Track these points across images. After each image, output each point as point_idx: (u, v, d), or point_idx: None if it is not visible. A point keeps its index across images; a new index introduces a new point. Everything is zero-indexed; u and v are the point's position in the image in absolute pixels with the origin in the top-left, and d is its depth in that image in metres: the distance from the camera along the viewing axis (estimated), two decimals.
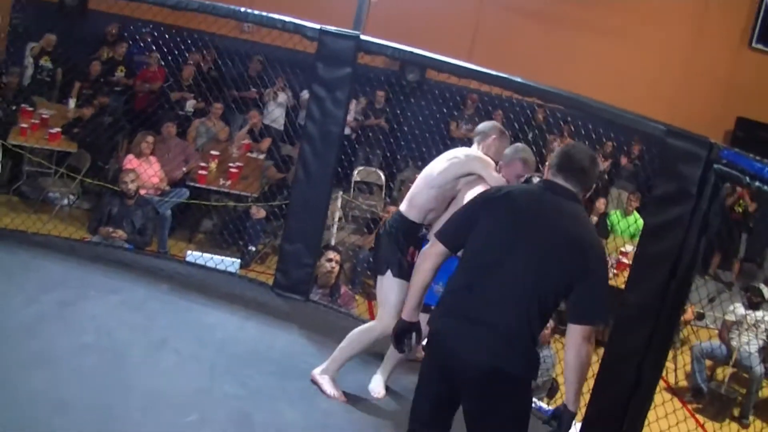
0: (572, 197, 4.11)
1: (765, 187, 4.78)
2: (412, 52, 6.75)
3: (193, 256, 7.68)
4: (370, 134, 13.84)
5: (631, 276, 5.65)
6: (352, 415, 5.39)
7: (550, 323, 7.63)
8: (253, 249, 10.69)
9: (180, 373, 5.43)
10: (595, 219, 12.19)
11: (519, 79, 6.37)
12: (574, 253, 3.96)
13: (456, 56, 6.80)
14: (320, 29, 6.71)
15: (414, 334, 4.38)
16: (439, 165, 5.49)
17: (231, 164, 11.31)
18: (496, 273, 3.97)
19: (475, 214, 4.17)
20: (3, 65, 12.83)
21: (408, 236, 5.50)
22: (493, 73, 6.52)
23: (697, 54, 15.65)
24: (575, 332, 3.93)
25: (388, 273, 5.42)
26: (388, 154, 13.50)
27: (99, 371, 5.20)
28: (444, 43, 11.40)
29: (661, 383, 10.16)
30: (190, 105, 13.11)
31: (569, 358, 3.97)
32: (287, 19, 6.77)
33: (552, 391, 7.93)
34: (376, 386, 5.71)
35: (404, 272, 5.36)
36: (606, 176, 13.68)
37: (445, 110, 12.78)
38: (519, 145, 5.62)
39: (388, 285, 5.42)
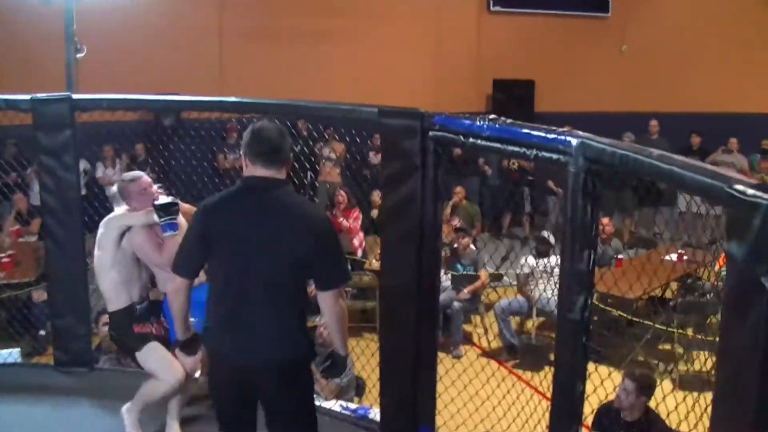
0: (278, 185, 4.23)
1: (479, 142, 4.91)
2: (130, 99, 6.86)
3: None
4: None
5: (384, 262, 5.80)
6: None
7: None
8: (43, 333, 10.48)
9: None
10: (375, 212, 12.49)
11: (249, 100, 6.52)
12: (301, 237, 4.15)
13: (210, 93, 6.89)
14: (30, 98, 6.67)
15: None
16: (96, 252, 5.52)
17: (2, 254, 11.07)
18: (244, 282, 4.16)
19: (199, 238, 4.26)
20: None
21: (132, 322, 5.51)
22: (230, 99, 6.61)
23: (443, 33, 16.31)
24: (328, 297, 4.25)
25: (141, 351, 5.47)
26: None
27: None
28: (195, 83, 11.56)
29: (476, 350, 10.59)
30: None
31: (330, 318, 4.31)
32: None
33: (359, 389, 8.04)
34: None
35: (150, 340, 5.47)
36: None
37: (205, 145, 12.84)
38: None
39: (145, 355, 5.45)
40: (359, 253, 12.00)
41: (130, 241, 5.45)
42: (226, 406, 4.42)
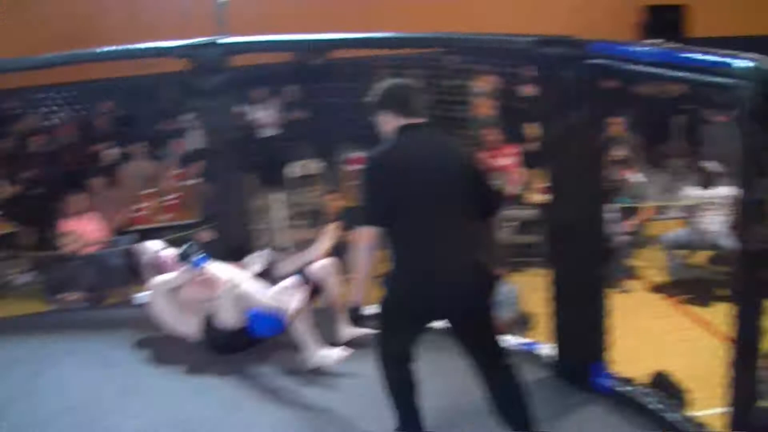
0: (432, 128, 4.60)
1: (641, 68, 4.83)
2: (280, 41, 7.04)
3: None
4: (296, 129, 13.96)
5: (548, 196, 5.72)
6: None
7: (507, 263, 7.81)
8: None
9: (153, 412, 5.60)
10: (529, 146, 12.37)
11: (396, 35, 6.63)
12: (465, 171, 4.52)
13: (358, 29, 6.97)
14: (184, 44, 6.82)
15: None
16: None
17: (167, 197, 11.48)
18: (432, 218, 4.43)
19: (381, 188, 4.49)
20: None
21: None
22: (378, 36, 6.98)
23: None
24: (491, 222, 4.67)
25: None
26: (321, 143, 13.65)
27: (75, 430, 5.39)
28: (342, 19, 11.60)
29: (647, 285, 10.38)
30: (107, 154, 13.19)
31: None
32: (147, 45, 6.98)
33: (526, 324, 8.04)
34: (334, 353, 5.98)
35: None
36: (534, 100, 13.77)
37: (357, 85, 12.87)
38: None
39: None
40: (517, 187, 11.87)
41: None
42: (410, 325, 4.63)
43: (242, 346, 6.28)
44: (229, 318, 6.12)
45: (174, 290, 6.47)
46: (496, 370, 4.70)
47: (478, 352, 4.70)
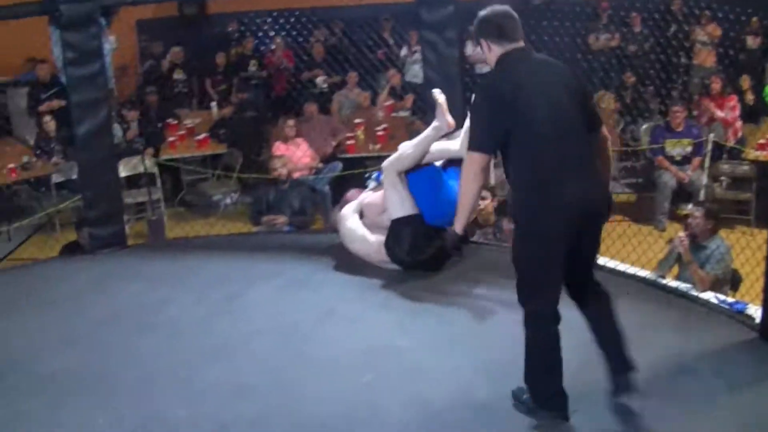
0: (531, 51, 4.56)
1: None
2: None
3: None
4: None
5: None
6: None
7: (712, 221, 7.54)
8: None
9: (350, 338, 5.58)
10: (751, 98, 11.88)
11: None
12: (575, 87, 4.51)
13: None
14: None
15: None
16: None
17: (377, 128, 11.50)
18: (559, 134, 4.36)
19: (497, 113, 4.39)
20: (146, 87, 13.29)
21: None
22: None
23: None
24: (603, 132, 4.61)
25: None
26: None
27: (273, 352, 5.41)
28: None
29: None
30: (320, 81, 13.30)
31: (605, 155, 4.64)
32: None
33: (735, 283, 7.73)
34: None
35: None
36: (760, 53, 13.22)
37: (578, 25, 12.60)
38: None
39: None
40: (732, 140, 11.39)
41: None
42: (557, 248, 4.40)
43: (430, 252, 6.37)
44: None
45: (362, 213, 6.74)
46: (597, 295, 4.72)
47: (583, 273, 4.66)
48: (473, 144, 4.46)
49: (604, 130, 4.62)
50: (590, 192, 4.41)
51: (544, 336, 4.54)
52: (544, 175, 4.36)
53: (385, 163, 6.54)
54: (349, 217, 6.72)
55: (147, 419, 4.72)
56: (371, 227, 6.66)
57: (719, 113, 11.39)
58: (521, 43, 4.49)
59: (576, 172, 4.37)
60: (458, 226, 4.69)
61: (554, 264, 4.43)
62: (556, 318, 4.50)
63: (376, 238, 6.54)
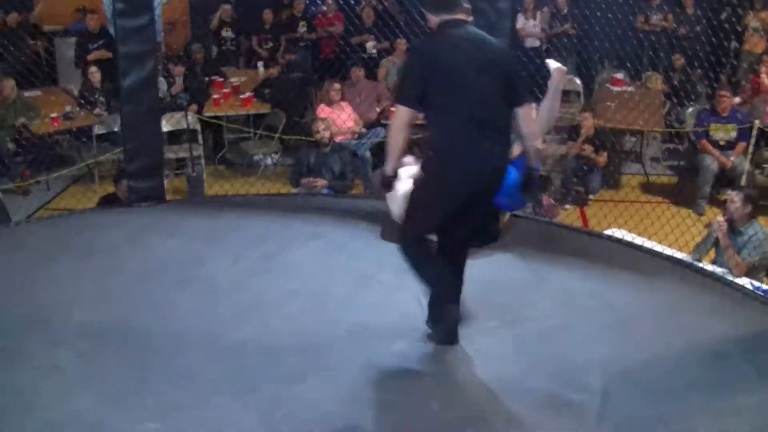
0: (469, 23, 4.94)
1: None
2: None
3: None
4: (561, 42, 13.67)
5: None
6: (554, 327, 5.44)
7: (750, 206, 7.47)
8: None
9: (385, 305, 5.59)
10: None
11: None
12: (504, 61, 4.91)
13: None
14: None
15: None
16: None
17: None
18: (471, 102, 4.74)
19: (423, 73, 4.77)
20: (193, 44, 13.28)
21: None
22: None
23: None
24: (526, 110, 4.93)
25: None
26: (584, 58, 13.34)
27: (306, 314, 5.45)
28: None
29: None
30: (371, 46, 13.25)
31: (530, 129, 5.01)
32: None
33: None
34: None
35: None
36: None
37: (631, 2, 12.44)
38: None
39: None
40: None
41: None
42: (449, 209, 4.88)
43: None
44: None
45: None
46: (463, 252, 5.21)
47: (464, 237, 5.17)
48: (399, 98, 4.87)
49: (528, 109, 4.95)
50: (492, 162, 4.83)
51: (416, 257, 5.00)
52: (451, 139, 4.81)
53: None
54: (404, 182, 6.58)
55: (176, 376, 4.77)
56: None
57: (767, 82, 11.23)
58: (460, 16, 4.88)
59: (482, 141, 4.77)
60: (388, 168, 5.02)
61: (437, 217, 4.94)
62: (421, 242, 5.04)
63: None
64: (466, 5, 4.95)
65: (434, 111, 4.84)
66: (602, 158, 10.66)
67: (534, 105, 5.16)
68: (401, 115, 4.81)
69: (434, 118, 4.88)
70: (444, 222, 4.97)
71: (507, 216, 6.75)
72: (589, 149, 10.60)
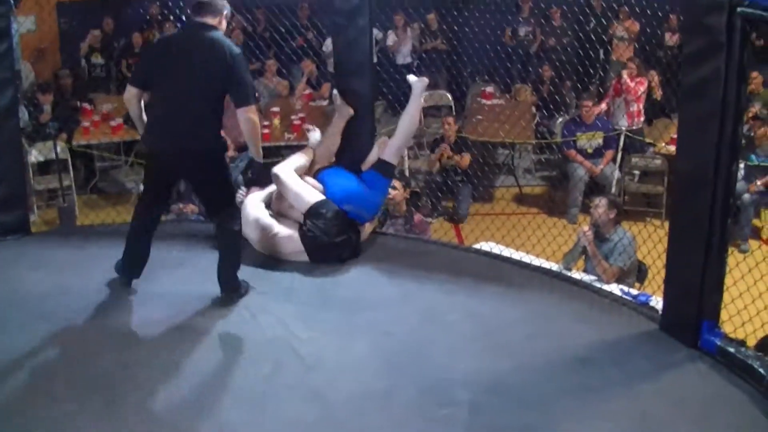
0: (209, 27, 5.64)
1: None
2: None
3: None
4: (431, 58, 13.79)
5: (679, 144, 5.55)
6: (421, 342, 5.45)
7: (615, 212, 7.61)
8: None
9: (250, 328, 5.56)
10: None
11: None
12: (220, 63, 5.49)
13: None
14: None
15: None
16: None
17: (293, 116, 11.43)
18: (174, 95, 5.60)
19: (150, 60, 5.95)
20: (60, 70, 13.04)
21: None
22: None
23: None
24: (242, 113, 5.63)
25: None
26: (455, 73, 13.47)
27: (171, 342, 5.37)
28: None
29: (765, 246, 10.02)
30: None
31: (244, 128, 5.71)
32: None
33: (641, 275, 7.78)
34: None
35: None
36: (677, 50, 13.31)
37: (499, 17, 12.61)
38: None
39: None
40: (635, 124, 11.50)
41: None
42: (155, 179, 5.94)
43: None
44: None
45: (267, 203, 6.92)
46: (217, 228, 6.00)
47: (206, 207, 6.33)
48: (130, 79, 5.99)
49: (247, 112, 5.61)
50: (180, 143, 5.61)
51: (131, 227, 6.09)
52: (153, 120, 5.76)
53: (275, 168, 6.82)
54: (253, 207, 6.68)
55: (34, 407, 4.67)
56: (279, 218, 6.71)
57: (629, 82, 11.43)
58: (206, 19, 5.63)
59: (172, 124, 5.60)
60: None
61: (149, 184, 6.02)
62: (140, 219, 6.06)
63: (284, 230, 6.57)
64: (220, 11, 5.70)
65: (151, 93, 5.81)
66: (464, 160, 10.81)
67: (251, 107, 5.66)
68: (127, 91, 5.82)
69: (150, 98, 5.85)
70: (156, 186, 5.95)
71: (368, 228, 6.81)
72: (452, 153, 10.77)
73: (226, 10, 5.79)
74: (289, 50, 11.92)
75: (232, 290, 5.94)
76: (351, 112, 6.97)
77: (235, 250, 5.95)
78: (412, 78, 6.97)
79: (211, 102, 5.63)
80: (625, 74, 11.42)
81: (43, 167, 10.86)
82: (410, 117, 6.89)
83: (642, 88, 11.48)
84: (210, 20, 5.65)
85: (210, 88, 5.57)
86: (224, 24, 5.79)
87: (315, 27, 13.40)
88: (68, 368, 5.05)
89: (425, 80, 6.91)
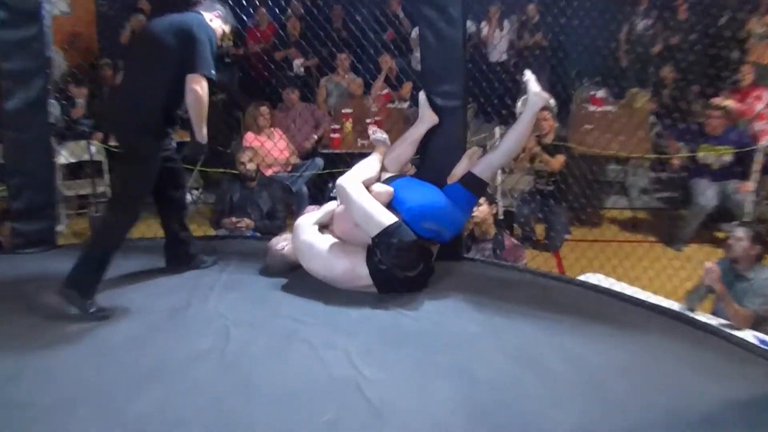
0: (184, 6, 6.56)
1: None
2: None
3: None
4: (532, 56, 13.74)
5: None
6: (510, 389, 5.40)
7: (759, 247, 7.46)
8: None
9: (311, 365, 5.51)
10: None
11: None
12: (180, 36, 6.22)
13: None
14: None
15: None
16: None
17: (369, 120, 11.40)
18: (135, 64, 6.53)
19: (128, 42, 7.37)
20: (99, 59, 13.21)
21: None
22: None
23: None
24: (188, 80, 6.13)
25: None
26: (559, 74, 13.38)
27: (218, 378, 5.33)
28: None
29: None
30: (298, 64, 13.21)
31: (188, 98, 6.19)
32: None
33: None
34: None
35: None
36: None
37: (612, 9, 12.54)
38: None
39: None
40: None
41: None
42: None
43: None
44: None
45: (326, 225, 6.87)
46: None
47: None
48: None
49: (194, 81, 6.11)
50: (119, 117, 6.40)
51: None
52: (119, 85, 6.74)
53: (340, 180, 6.72)
54: (306, 230, 6.65)
55: None
56: (343, 239, 6.69)
57: (729, 103, 11.28)
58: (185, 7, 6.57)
59: (123, 95, 6.50)
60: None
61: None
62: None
63: (347, 261, 6.53)
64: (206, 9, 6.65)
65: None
66: (557, 161, 10.70)
67: (197, 75, 6.13)
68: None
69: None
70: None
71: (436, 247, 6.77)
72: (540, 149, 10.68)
73: (216, 11, 6.74)
74: (371, 42, 12.00)
75: (70, 286, 6.12)
76: (436, 119, 6.94)
77: (98, 245, 6.32)
78: (532, 86, 6.79)
79: (159, 76, 6.29)
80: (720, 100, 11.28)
81: (74, 170, 10.97)
82: (518, 134, 6.72)
83: (758, 102, 11.32)
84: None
85: (164, 57, 6.26)
86: (216, 23, 6.63)
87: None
88: (98, 412, 5.02)
89: (546, 96, 6.76)
